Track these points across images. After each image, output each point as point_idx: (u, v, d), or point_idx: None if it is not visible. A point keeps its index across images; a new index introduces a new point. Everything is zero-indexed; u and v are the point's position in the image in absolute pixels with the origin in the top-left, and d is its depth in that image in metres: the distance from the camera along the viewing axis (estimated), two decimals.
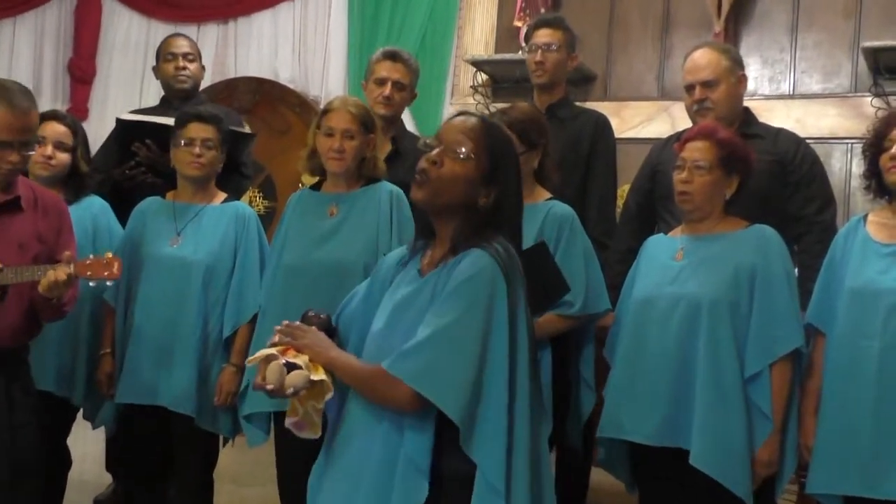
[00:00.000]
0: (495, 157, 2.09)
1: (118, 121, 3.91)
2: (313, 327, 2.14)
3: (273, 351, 2.04)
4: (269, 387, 1.98)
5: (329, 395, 2.04)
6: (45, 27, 6.87)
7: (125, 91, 6.67)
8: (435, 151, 2.08)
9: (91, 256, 2.89)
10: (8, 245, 2.83)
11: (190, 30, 6.48)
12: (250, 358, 2.09)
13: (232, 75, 6.45)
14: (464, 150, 2.07)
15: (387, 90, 3.77)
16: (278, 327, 2.11)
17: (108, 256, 2.86)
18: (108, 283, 2.92)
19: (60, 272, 2.75)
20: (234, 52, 6.59)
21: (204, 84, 6.14)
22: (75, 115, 6.25)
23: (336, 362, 2.05)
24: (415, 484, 1.93)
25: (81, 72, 6.78)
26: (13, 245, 2.84)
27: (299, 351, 2.05)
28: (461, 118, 2.15)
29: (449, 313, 1.95)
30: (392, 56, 3.84)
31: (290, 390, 1.99)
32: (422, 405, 1.93)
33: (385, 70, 3.80)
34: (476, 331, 1.95)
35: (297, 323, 2.13)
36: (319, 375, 2.02)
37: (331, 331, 2.21)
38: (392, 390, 1.94)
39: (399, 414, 1.96)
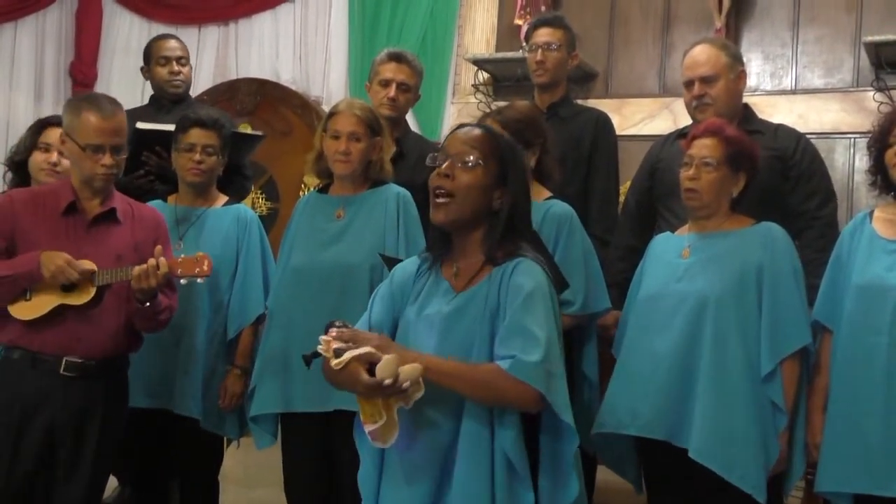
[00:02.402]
0: (503, 160, 2.15)
1: (136, 130, 3.90)
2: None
3: (368, 349, 2.02)
4: (387, 381, 1.97)
5: (420, 394, 2.03)
6: (47, 31, 6.85)
7: (126, 94, 6.58)
8: (444, 165, 2.13)
9: (182, 256, 2.92)
10: (106, 255, 2.91)
11: (191, 32, 6.51)
12: (337, 360, 2.04)
13: (233, 77, 6.44)
14: (471, 158, 2.12)
15: (391, 92, 3.75)
16: (329, 337, 2.10)
17: (199, 255, 2.89)
18: (199, 281, 2.92)
19: (150, 260, 2.82)
20: (236, 53, 6.58)
21: (206, 86, 6.24)
22: None
23: (432, 363, 2.05)
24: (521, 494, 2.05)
25: (83, 75, 6.77)
26: (111, 256, 2.92)
27: (378, 351, 2.03)
28: (464, 129, 2.21)
29: (541, 327, 2.05)
30: (397, 57, 3.82)
31: (407, 383, 1.99)
32: (541, 405, 2.05)
33: (390, 71, 3.78)
34: (558, 340, 2.10)
35: (350, 329, 2.13)
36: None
37: None
38: (517, 389, 2.01)
39: (489, 413, 2.06)
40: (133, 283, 2.83)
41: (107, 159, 2.89)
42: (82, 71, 6.78)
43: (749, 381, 2.70)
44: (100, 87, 6.77)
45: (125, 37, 6.85)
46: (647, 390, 2.76)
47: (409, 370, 1.99)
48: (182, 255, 2.91)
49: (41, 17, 6.85)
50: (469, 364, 2.07)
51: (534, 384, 2.01)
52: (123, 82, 6.71)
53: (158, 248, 2.87)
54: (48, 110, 6.35)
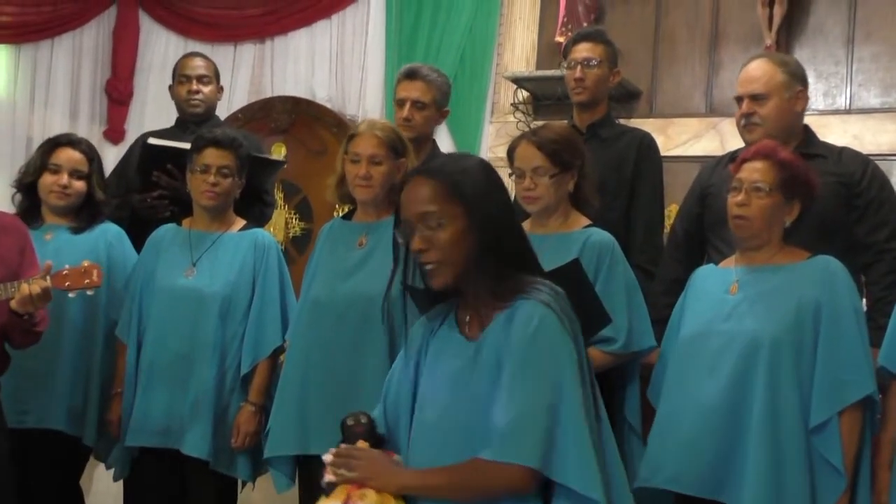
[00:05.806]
0: (466, 198, 1.97)
1: (145, 145, 3.78)
2: (366, 447, 2.01)
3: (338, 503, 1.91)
4: None
5: None
6: (83, 48, 6.83)
7: (162, 111, 6.54)
8: (416, 238, 1.98)
9: (67, 267, 2.80)
10: None
11: (227, 49, 6.45)
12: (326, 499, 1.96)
13: (269, 95, 6.36)
14: (434, 217, 1.97)
15: (405, 111, 3.54)
16: (328, 458, 1.98)
17: (86, 264, 2.79)
18: (89, 293, 2.83)
19: (35, 285, 2.69)
20: (271, 71, 6.49)
21: (241, 103, 6.16)
22: (113, 137, 6.36)
23: (411, 484, 1.92)
24: None
25: (118, 93, 6.74)
26: None
27: (363, 485, 1.92)
28: (411, 188, 2.01)
29: (531, 380, 1.85)
30: (410, 74, 3.61)
31: None
32: (538, 480, 1.83)
33: (403, 90, 3.58)
34: (559, 391, 1.86)
35: (345, 448, 2.00)
36: None
37: (375, 433, 2.07)
38: (503, 475, 1.82)
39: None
40: (17, 305, 2.70)
41: None
42: (118, 88, 6.75)
43: (804, 436, 2.47)
44: (135, 105, 6.75)
45: (162, 54, 6.79)
46: (694, 444, 2.55)
47: None
48: (67, 267, 2.80)
49: (78, 35, 6.83)
50: (450, 468, 1.89)
51: (516, 460, 1.80)
52: (159, 100, 6.63)
53: (48, 263, 2.75)
54: (83, 128, 6.33)
